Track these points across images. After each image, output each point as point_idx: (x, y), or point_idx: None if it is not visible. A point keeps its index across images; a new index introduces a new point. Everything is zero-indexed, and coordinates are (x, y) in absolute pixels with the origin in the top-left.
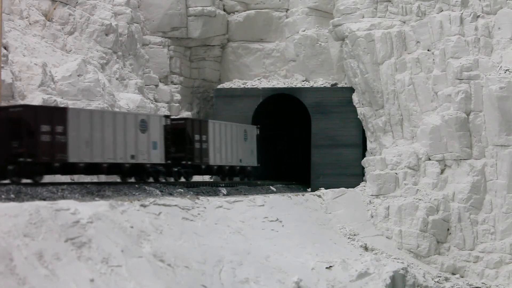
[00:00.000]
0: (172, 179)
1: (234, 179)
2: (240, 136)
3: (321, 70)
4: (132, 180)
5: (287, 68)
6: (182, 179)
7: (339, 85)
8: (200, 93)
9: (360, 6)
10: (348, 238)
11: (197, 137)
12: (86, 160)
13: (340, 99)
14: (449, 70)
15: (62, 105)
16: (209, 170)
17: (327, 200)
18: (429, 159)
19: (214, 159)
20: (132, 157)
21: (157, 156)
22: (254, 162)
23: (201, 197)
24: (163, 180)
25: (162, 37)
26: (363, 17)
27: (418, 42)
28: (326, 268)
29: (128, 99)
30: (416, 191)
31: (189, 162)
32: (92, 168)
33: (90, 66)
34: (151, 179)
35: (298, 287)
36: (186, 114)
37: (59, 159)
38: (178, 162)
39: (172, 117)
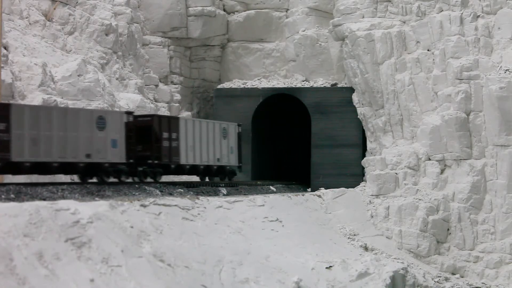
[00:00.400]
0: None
1: (215, 179)
2: (218, 134)
3: (321, 70)
4: (93, 180)
5: (287, 68)
6: (149, 179)
7: (339, 85)
8: (200, 93)
9: (360, 6)
10: (348, 238)
11: (165, 134)
12: (32, 159)
13: (340, 99)
14: (449, 70)
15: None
16: (180, 170)
17: (327, 200)
18: (429, 159)
19: (186, 158)
20: (88, 156)
21: (117, 155)
22: (235, 161)
23: (201, 197)
24: (127, 180)
25: (162, 37)
26: (363, 17)
27: (418, 42)
28: (326, 268)
29: (128, 99)
30: (416, 191)
31: (156, 161)
32: (40, 168)
33: (90, 66)
34: (113, 179)
35: (298, 287)
36: (186, 114)
37: (0, 158)
38: (144, 161)
39: (138, 113)
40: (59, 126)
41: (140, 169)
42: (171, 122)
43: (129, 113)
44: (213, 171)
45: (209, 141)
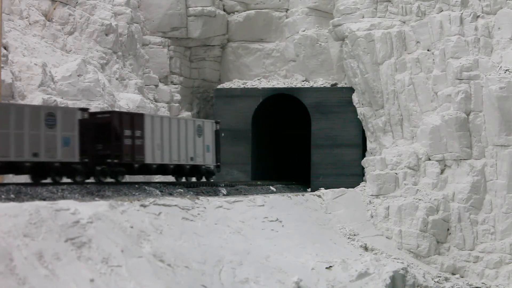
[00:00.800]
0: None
1: (192, 179)
2: (192, 131)
3: (321, 70)
4: (47, 180)
5: (287, 68)
6: (110, 179)
7: (339, 85)
8: (200, 93)
9: (360, 6)
10: (348, 238)
11: (127, 132)
12: None
13: (340, 99)
14: (449, 70)
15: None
16: (145, 169)
17: (327, 200)
18: (429, 159)
19: (153, 157)
20: (35, 155)
21: (69, 154)
22: (212, 160)
23: (201, 197)
24: (84, 180)
25: (162, 37)
26: (363, 17)
27: (418, 42)
28: (326, 268)
29: (128, 99)
30: (416, 191)
31: (115, 161)
32: None
33: (90, 66)
34: (67, 179)
35: (298, 287)
36: (186, 114)
37: None
38: (103, 161)
39: (96, 110)
40: (2, 123)
41: (99, 168)
42: (135, 119)
43: (83, 109)
44: (186, 171)
45: (180, 139)
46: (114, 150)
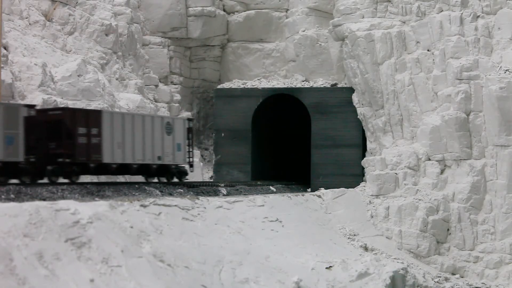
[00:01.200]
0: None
1: (161, 179)
2: (159, 129)
3: (321, 70)
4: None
5: (287, 68)
6: (64, 180)
7: (339, 85)
8: (200, 93)
9: (360, 6)
10: (348, 238)
11: (82, 130)
12: None
13: (340, 99)
14: (449, 70)
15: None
16: (104, 169)
17: (327, 200)
18: (429, 159)
19: (112, 156)
20: None
21: (12, 153)
22: (183, 160)
23: (201, 197)
24: (33, 181)
25: (162, 37)
26: (363, 17)
27: (418, 42)
28: (326, 268)
29: (128, 99)
30: (416, 191)
31: (68, 160)
32: None
33: (90, 66)
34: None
35: (298, 287)
36: (186, 114)
37: None
38: (55, 160)
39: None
40: None
41: (50, 168)
42: (90, 116)
43: (30, 106)
44: (153, 171)
45: (145, 137)
46: (66, 149)
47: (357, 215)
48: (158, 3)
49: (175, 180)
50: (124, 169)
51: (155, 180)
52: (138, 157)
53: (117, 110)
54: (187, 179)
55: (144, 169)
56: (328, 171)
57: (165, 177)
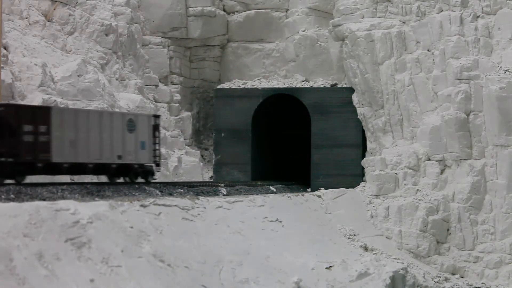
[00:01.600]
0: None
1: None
2: (119, 127)
3: (321, 70)
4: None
5: (287, 68)
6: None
7: (339, 85)
8: (200, 93)
9: (360, 6)
10: (348, 238)
11: (28, 127)
12: None
13: (340, 99)
14: (449, 70)
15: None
16: (53, 169)
17: (327, 200)
18: (429, 159)
19: (62, 155)
20: None
21: None
22: (148, 158)
23: (201, 197)
24: None
25: (162, 37)
26: (363, 17)
27: (418, 42)
28: (326, 268)
29: (128, 100)
30: (416, 191)
31: (10, 159)
32: None
33: (90, 66)
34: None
35: (298, 287)
36: (186, 114)
37: None
38: None
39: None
40: None
41: None
42: (37, 113)
43: None
44: (112, 170)
45: (103, 135)
46: (9, 148)
47: (357, 215)
48: (158, 3)
49: (141, 180)
50: (77, 169)
51: (121, 180)
52: (94, 156)
53: (71, 106)
54: (155, 179)
55: (102, 169)
56: (328, 171)
57: (128, 176)
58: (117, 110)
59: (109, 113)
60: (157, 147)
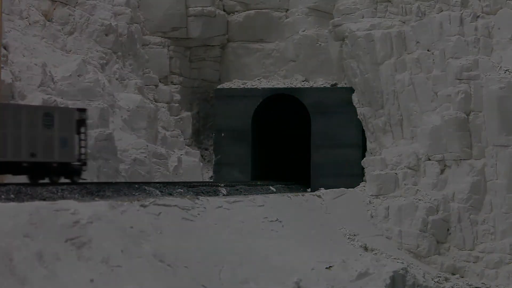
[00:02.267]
0: None
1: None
2: (32, 121)
3: (321, 70)
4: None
5: (287, 68)
6: None
7: (339, 85)
8: (200, 93)
9: (360, 6)
10: (348, 238)
11: None
12: None
13: (340, 99)
14: (449, 70)
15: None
16: None
17: (327, 200)
18: (429, 159)
19: None
20: None
21: None
22: (70, 157)
23: (201, 197)
24: None
25: (162, 37)
26: (363, 17)
27: (418, 42)
28: (326, 268)
29: (128, 100)
30: (416, 191)
31: None
32: None
33: (90, 66)
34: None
35: (298, 287)
36: (186, 114)
37: None
38: None
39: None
40: None
41: None
42: None
43: None
44: (23, 169)
45: (9, 131)
46: None
47: (357, 215)
48: (158, 3)
49: (67, 180)
50: None
51: (47, 181)
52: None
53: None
54: (84, 179)
55: (10, 168)
56: (328, 171)
57: (48, 176)
58: (34, 104)
59: (17, 106)
60: (82, 144)
